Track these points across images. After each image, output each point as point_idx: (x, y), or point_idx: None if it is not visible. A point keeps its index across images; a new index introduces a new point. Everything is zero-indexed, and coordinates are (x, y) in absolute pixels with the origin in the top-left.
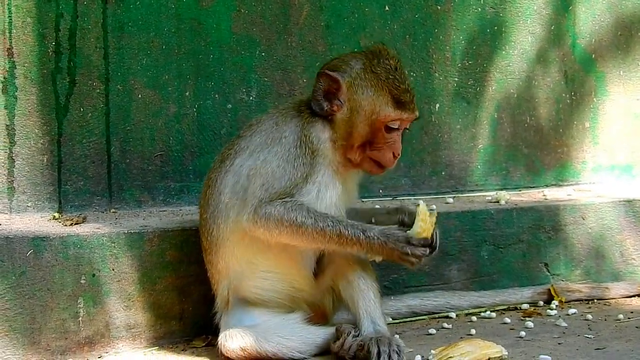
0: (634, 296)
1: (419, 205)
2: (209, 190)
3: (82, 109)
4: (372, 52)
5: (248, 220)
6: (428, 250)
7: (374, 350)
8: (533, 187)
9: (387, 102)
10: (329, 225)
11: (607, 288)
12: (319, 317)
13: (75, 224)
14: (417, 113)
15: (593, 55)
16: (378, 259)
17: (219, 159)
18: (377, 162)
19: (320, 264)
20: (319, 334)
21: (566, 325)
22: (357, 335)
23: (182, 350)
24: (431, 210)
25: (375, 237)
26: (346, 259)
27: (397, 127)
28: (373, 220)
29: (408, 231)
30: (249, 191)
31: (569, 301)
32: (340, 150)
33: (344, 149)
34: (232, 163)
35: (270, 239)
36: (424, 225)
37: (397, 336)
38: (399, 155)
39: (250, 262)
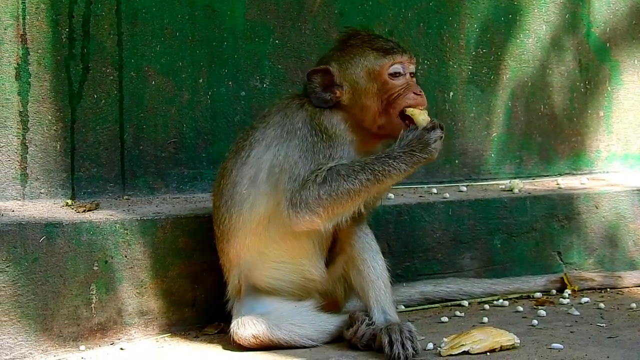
0: None
1: (406, 110)
2: (224, 181)
3: (95, 96)
4: (341, 38)
5: (290, 216)
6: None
7: (385, 340)
8: (547, 175)
9: (376, 56)
10: (359, 172)
11: (620, 277)
12: (330, 305)
13: (88, 210)
14: (412, 56)
15: (607, 44)
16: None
17: (234, 149)
18: (407, 116)
19: (331, 253)
20: (331, 322)
21: (579, 313)
22: (371, 324)
23: (195, 337)
24: None
25: (402, 152)
26: (356, 249)
27: (400, 72)
28: None
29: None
30: (279, 188)
31: (582, 290)
32: (357, 130)
33: (363, 127)
34: (247, 155)
35: (324, 223)
36: (424, 113)
37: (408, 323)
38: (420, 92)
39: (262, 252)
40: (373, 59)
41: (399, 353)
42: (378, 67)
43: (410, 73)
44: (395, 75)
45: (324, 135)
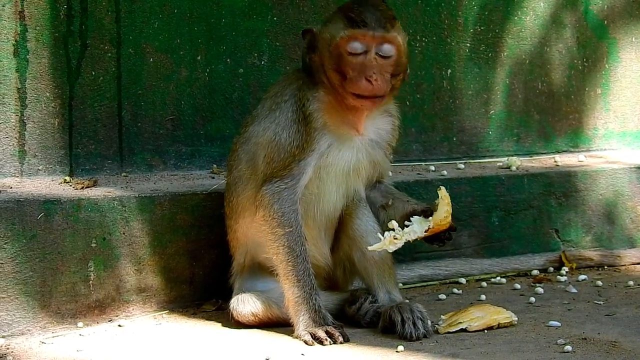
0: None
1: (440, 189)
2: (232, 156)
3: (93, 73)
4: None
5: (257, 196)
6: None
7: (398, 318)
8: (544, 153)
9: (341, 25)
10: (294, 252)
11: (619, 256)
12: (330, 287)
13: (86, 187)
14: (375, 32)
15: (605, 22)
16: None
17: (244, 123)
18: (357, 94)
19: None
20: (331, 300)
21: (576, 291)
22: (374, 302)
23: (193, 314)
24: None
25: (305, 298)
26: (359, 232)
27: (359, 50)
28: (390, 202)
29: (431, 216)
30: (257, 164)
31: (580, 267)
32: (335, 104)
33: (338, 100)
34: (248, 130)
35: (255, 213)
36: (449, 209)
37: (418, 304)
38: (371, 78)
39: None
40: (339, 27)
41: (411, 332)
42: (338, 37)
43: (379, 54)
44: (351, 53)
45: (301, 115)
